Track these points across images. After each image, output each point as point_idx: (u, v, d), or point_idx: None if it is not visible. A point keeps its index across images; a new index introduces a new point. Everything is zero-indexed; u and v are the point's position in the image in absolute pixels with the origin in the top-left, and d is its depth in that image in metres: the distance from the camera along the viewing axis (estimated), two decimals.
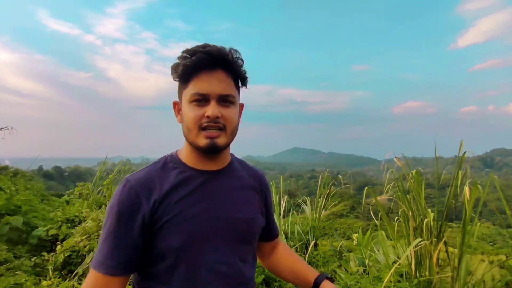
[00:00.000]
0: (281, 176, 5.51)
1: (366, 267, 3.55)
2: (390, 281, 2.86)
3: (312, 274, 1.06)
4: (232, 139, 0.91)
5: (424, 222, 2.57)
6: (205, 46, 0.85)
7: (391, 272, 2.50)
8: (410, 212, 2.77)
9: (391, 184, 3.00)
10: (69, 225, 3.55)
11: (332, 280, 1.02)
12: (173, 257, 0.83)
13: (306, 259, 4.28)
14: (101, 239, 0.82)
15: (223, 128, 0.86)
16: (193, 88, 0.85)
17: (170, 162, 0.91)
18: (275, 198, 5.22)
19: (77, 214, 3.74)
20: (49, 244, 3.43)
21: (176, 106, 0.94)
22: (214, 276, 0.85)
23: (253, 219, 0.95)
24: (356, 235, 4.73)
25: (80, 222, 3.61)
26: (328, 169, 5.27)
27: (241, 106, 0.98)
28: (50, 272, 2.78)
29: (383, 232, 3.61)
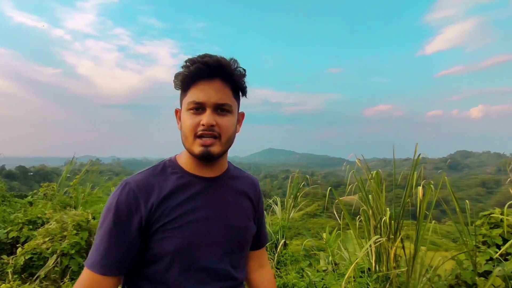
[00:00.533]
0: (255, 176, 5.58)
1: (334, 265, 3.70)
2: (354, 278, 3.01)
3: None
4: (228, 147, 0.93)
5: (382, 221, 2.72)
6: (204, 56, 0.88)
7: (351, 267, 2.63)
8: (371, 211, 2.93)
9: (354, 185, 3.15)
10: (31, 226, 3.43)
11: None
12: (167, 260, 0.84)
13: (275, 259, 4.39)
14: (97, 238, 0.84)
15: (218, 136, 0.87)
16: (190, 96, 0.88)
17: (169, 167, 0.93)
18: None
19: (40, 215, 3.62)
20: (9, 247, 3.30)
21: (178, 113, 0.96)
22: (206, 281, 0.88)
23: (247, 227, 0.98)
24: (325, 234, 4.90)
25: (43, 224, 3.50)
26: (298, 170, 5.41)
27: (241, 115, 1.00)
28: (10, 275, 2.69)
29: (352, 231, 3.77)
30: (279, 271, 4.16)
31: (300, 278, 3.59)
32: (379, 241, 2.69)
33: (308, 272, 3.69)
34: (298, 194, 5.00)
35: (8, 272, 2.73)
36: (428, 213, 2.77)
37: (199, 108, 0.87)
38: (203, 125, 0.85)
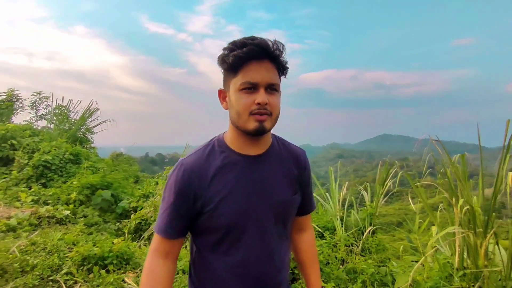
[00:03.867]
0: (339, 162, 5.45)
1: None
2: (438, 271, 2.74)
3: (315, 283, 1.20)
4: (275, 123, 1.01)
5: (463, 210, 2.38)
6: (253, 38, 0.93)
7: (421, 260, 2.42)
8: (454, 200, 2.59)
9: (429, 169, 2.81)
10: (144, 199, 4.27)
11: None
12: (221, 231, 0.98)
13: (360, 245, 4.27)
14: (162, 209, 1.00)
15: (270, 114, 0.94)
16: (243, 77, 0.92)
17: (217, 146, 1.02)
18: (333, 185, 5.24)
19: (151, 191, 4.45)
20: (131, 214, 4.20)
21: (222, 94, 1.03)
22: (255, 249, 1.00)
23: (291, 200, 1.07)
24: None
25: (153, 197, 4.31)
26: (388, 155, 5.02)
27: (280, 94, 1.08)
28: (126, 235, 3.46)
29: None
30: (363, 258, 4.05)
31: (378, 266, 3.44)
32: (456, 232, 2.37)
33: (394, 263, 3.49)
34: (386, 180, 4.65)
35: (125, 232, 3.52)
36: None
37: (251, 87, 0.92)
38: (258, 103, 0.92)
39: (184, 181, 0.96)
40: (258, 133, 0.96)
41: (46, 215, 3.47)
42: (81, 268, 2.45)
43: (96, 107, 7.92)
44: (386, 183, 4.64)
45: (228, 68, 0.96)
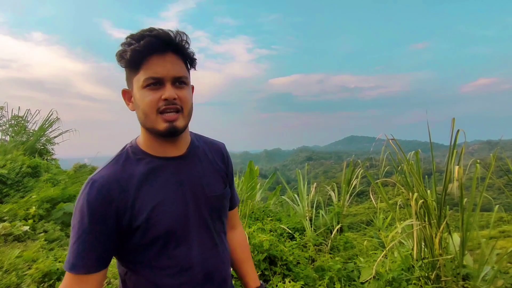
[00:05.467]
0: (307, 164, 5.61)
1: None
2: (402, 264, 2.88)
3: (253, 282, 1.15)
4: (189, 120, 0.91)
5: (419, 204, 2.55)
6: (152, 30, 0.83)
7: (383, 253, 2.56)
8: (410, 195, 2.76)
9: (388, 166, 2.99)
10: None
11: None
12: (160, 241, 0.86)
13: (329, 244, 4.40)
14: (73, 240, 0.82)
15: (181, 109, 0.86)
16: (145, 73, 0.83)
17: (132, 154, 0.91)
18: (301, 187, 5.38)
19: None
20: None
21: (126, 94, 0.91)
22: (200, 249, 0.92)
23: (223, 194, 1.01)
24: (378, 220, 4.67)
25: None
26: (353, 155, 5.23)
27: (192, 87, 0.96)
28: None
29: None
30: (332, 256, 4.17)
31: (346, 263, 3.57)
32: (414, 225, 2.53)
33: (361, 259, 3.63)
34: (352, 179, 4.85)
35: None
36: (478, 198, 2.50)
37: (156, 83, 0.83)
38: (165, 99, 0.83)
39: (101, 199, 0.81)
40: (171, 134, 0.86)
41: (2, 232, 3.27)
42: (42, 285, 2.35)
43: (57, 117, 7.56)
44: (352, 182, 4.84)
45: (128, 64, 0.85)
